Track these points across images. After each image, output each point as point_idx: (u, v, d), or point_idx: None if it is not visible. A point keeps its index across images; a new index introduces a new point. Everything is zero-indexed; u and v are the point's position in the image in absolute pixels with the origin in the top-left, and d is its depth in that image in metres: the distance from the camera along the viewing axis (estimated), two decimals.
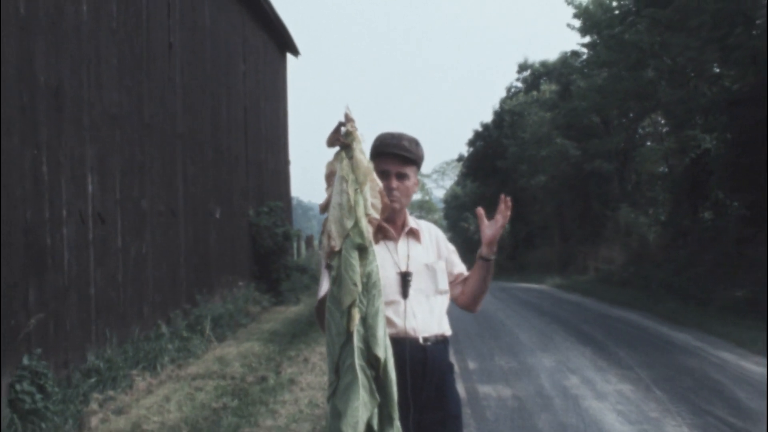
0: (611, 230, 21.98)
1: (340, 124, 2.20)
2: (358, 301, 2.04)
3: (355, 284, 2.04)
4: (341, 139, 2.20)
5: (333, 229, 2.11)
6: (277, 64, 16.11)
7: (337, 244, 2.09)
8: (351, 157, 2.17)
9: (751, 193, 13.54)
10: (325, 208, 2.18)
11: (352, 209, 2.11)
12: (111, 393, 6.02)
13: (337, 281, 2.07)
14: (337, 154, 2.21)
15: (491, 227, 2.67)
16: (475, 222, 38.02)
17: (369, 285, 2.07)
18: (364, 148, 2.21)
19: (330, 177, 2.21)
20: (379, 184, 2.21)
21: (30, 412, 4.96)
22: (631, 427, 5.29)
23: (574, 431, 5.21)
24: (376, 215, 2.17)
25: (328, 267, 2.13)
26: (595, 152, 22.68)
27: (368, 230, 2.12)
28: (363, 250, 2.09)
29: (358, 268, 2.06)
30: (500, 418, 5.58)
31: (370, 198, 2.16)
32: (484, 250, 2.69)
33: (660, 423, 5.39)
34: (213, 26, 11.00)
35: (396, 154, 2.56)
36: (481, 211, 2.71)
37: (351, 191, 2.13)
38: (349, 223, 2.09)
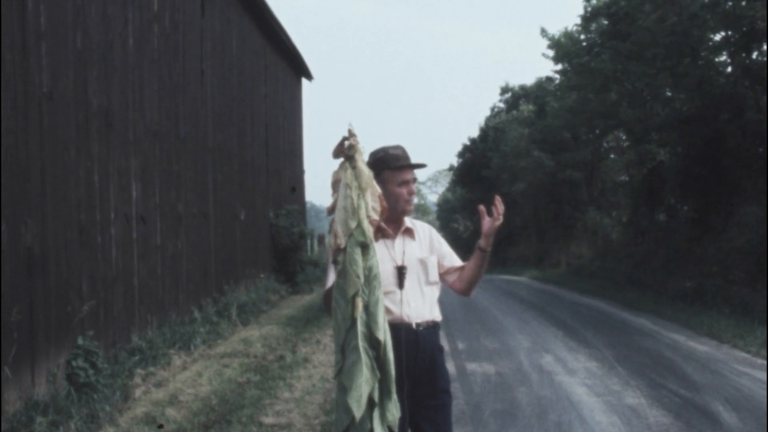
0: (580, 230, 21.96)
1: (344, 139, 2.20)
2: (361, 291, 2.05)
3: (358, 276, 2.04)
4: (345, 151, 2.20)
5: (339, 229, 2.11)
6: (293, 87, 16.13)
7: (342, 242, 2.09)
8: (354, 167, 2.17)
9: (698, 198, 13.56)
10: (331, 211, 2.18)
11: (355, 212, 2.11)
12: (152, 369, 6.03)
13: (342, 274, 2.07)
14: (342, 164, 2.21)
15: (488, 222, 2.63)
16: (464, 222, 37.93)
17: (370, 277, 2.08)
18: (365, 158, 2.22)
19: (336, 184, 2.21)
20: (379, 190, 2.21)
21: (84, 385, 4.98)
22: (597, 398, 5.29)
23: (548, 402, 5.21)
24: (376, 217, 2.18)
25: (335, 262, 2.14)
26: (567, 163, 22.69)
27: (369, 230, 2.12)
28: (365, 247, 2.09)
29: (360, 263, 2.07)
30: (485, 391, 5.59)
31: (370, 202, 2.16)
32: (482, 242, 2.65)
33: (621, 395, 5.39)
34: (239, 55, 11.03)
35: (410, 166, 2.59)
36: (482, 207, 2.68)
37: (354, 196, 2.13)
38: (353, 224, 2.10)
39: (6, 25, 4.52)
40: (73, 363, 5.05)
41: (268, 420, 4.71)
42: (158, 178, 7.28)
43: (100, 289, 5.82)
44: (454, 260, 2.76)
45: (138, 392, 5.38)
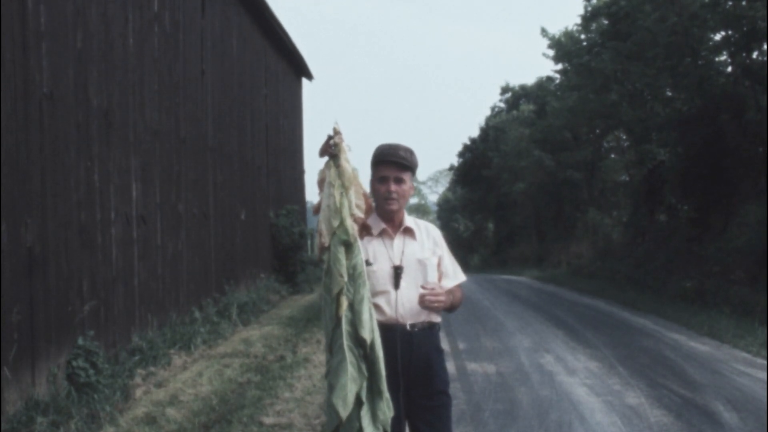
0: (581, 230, 21.97)
1: (330, 137, 2.18)
2: (345, 290, 2.03)
3: (341, 275, 2.03)
4: (330, 150, 2.19)
5: (323, 227, 2.10)
6: (294, 87, 16.12)
7: (326, 240, 2.08)
8: (338, 166, 2.16)
9: (699, 198, 13.55)
10: (317, 210, 2.17)
11: (338, 210, 2.10)
12: (152, 369, 6.02)
13: (327, 273, 2.07)
14: (327, 163, 2.19)
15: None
16: (464, 222, 37.87)
17: (355, 275, 2.06)
18: (349, 157, 2.19)
19: (321, 183, 2.19)
20: (363, 188, 2.20)
21: (84, 385, 4.97)
22: (597, 398, 5.28)
23: (549, 402, 5.21)
24: (360, 214, 2.16)
25: (320, 261, 2.14)
26: (567, 163, 22.69)
27: (353, 228, 2.10)
28: (349, 246, 2.08)
29: (344, 261, 2.05)
30: (486, 390, 5.58)
31: (354, 200, 2.15)
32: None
33: (622, 395, 5.38)
34: (239, 55, 11.02)
35: (393, 162, 2.52)
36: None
37: (337, 195, 2.12)
38: (336, 222, 2.08)
39: (6, 25, 4.51)
40: (74, 363, 5.04)
41: (269, 420, 4.70)
42: (158, 178, 7.27)
43: (101, 289, 5.81)
44: (448, 277, 2.65)
45: (138, 392, 5.38)
